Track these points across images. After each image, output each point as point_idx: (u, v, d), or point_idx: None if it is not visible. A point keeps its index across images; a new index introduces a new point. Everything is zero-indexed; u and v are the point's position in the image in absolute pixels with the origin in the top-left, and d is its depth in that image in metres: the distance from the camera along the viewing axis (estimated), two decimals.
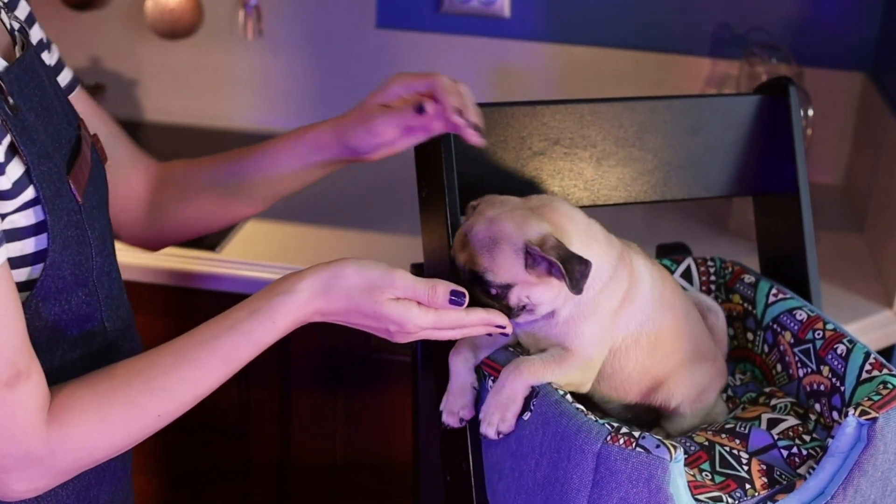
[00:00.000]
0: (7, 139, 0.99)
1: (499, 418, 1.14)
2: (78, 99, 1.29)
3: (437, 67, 2.37)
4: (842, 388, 1.22)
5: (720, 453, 1.20)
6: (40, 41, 1.22)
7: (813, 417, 1.27)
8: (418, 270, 1.38)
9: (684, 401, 1.26)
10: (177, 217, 1.37)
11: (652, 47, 2.31)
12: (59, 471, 1.04)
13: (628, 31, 2.31)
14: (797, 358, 1.30)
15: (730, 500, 1.14)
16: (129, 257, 1.54)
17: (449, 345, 1.23)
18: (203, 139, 2.48)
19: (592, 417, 1.09)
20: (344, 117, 1.26)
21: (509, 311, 1.15)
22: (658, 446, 1.05)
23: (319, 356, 2.00)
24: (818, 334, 1.28)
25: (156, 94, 2.53)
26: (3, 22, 1.13)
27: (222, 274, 1.91)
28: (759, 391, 1.35)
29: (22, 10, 1.20)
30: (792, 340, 1.31)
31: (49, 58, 1.24)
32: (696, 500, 1.11)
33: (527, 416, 1.14)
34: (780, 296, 1.35)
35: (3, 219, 1.00)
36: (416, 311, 1.09)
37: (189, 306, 1.97)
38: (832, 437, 1.14)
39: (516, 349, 1.22)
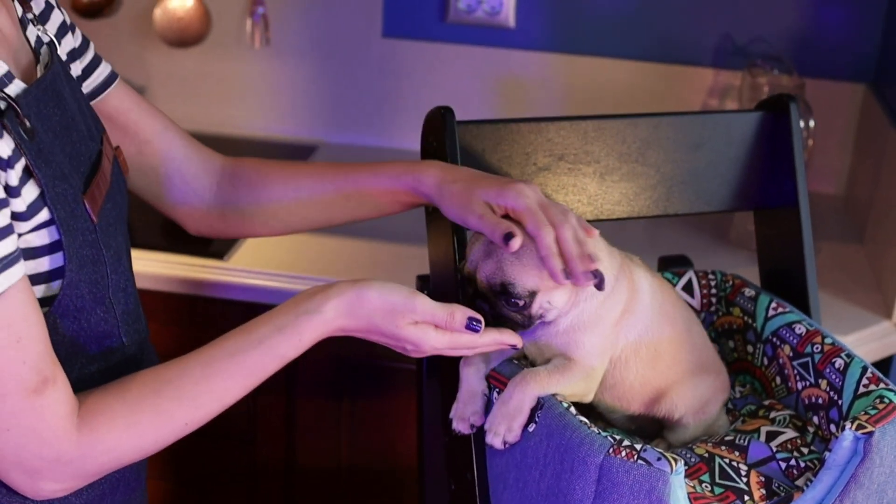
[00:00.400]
0: (22, 162, 1.01)
1: (505, 429, 1.17)
2: (120, 96, 1.30)
3: (442, 77, 2.41)
4: (839, 402, 1.25)
5: (720, 465, 1.22)
6: (72, 50, 1.24)
7: (811, 430, 1.29)
8: (424, 282, 1.40)
9: (687, 412, 1.28)
10: (249, 216, 1.37)
11: (655, 58, 2.34)
12: (88, 473, 1.08)
13: (632, 41, 2.33)
14: (796, 371, 1.32)
15: None
16: (137, 266, 1.56)
17: (456, 359, 1.25)
18: (210, 145, 2.48)
19: (595, 430, 1.11)
20: (450, 181, 1.21)
21: (529, 321, 1.16)
22: (659, 459, 1.07)
23: (325, 363, 2.02)
24: (817, 348, 1.30)
25: (164, 100, 2.55)
26: (27, 39, 1.15)
27: (230, 282, 1.93)
28: (759, 404, 1.37)
29: (54, 21, 1.21)
30: (791, 354, 1.33)
31: (80, 64, 1.25)
32: None
33: (532, 427, 1.16)
34: (780, 309, 1.37)
35: (19, 237, 1.02)
36: (432, 333, 1.12)
37: (197, 314, 1.99)
38: (829, 450, 1.16)
39: (521, 361, 1.24)
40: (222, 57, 2.49)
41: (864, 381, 1.23)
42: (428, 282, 1.37)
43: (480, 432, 1.23)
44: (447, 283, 1.27)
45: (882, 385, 1.21)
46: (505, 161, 1.35)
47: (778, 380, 1.36)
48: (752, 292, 1.42)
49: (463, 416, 1.23)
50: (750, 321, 1.41)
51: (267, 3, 2.43)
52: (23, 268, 1.00)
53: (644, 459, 1.07)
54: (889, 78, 2.16)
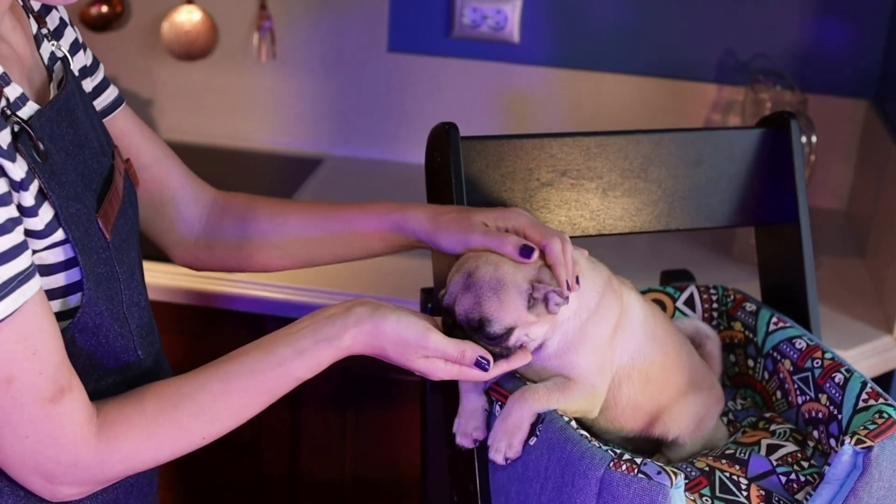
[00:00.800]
0: (36, 184, 1.03)
1: (506, 445, 1.18)
2: (125, 119, 1.31)
3: (447, 91, 2.42)
4: (839, 416, 1.26)
5: (720, 479, 1.23)
6: (83, 67, 1.25)
7: (811, 444, 1.30)
8: (428, 295, 1.42)
9: (683, 432, 1.29)
10: (235, 249, 1.39)
11: (659, 73, 2.35)
12: (104, 479, 1.11)
13: (635, 57, 2.35)
14: (796, 385, 1.33)
15: None
16: (147, 276, 1.57)
17: None
18: (217, 158, 2.51)
19: (596, 444, 1.12)
20: (442, 213, 1.25)
21: (508, 351, 1.16)
22: (659, 473, 1.08)
23: (330, 375, 2.02)
24: (817, 363, 1.31)
25: (171, 113, 2.57)
26: (40, 56, 1.16)
27: (238, 294, 1.94)
28: (760, 416, 1.38)
29: (67, 38, 1.23)
30: (791, 368, 1.34)
31: (90, 82, 1.26)
32: None
33: (533, 441, 1.17)
34: (781, 324, 1.38)
35: (33, 253, 1.04)
36: (441, 366, 1.15)
37: (207, 325, 2.01)
38: (829, 465, 1.17)
39: (523, 376, 1.25)
40: (229, 70, 2.51)
41: (864, 395, 1.24)
42: (432, 295, 1.38)
43: (483, 445, 1.25)
44: None
45: (881, 400, 1.22)
46: (508, 176, 1.36)
47: (778, 394, 1.37)
48: (754, 307, 1.43)
49: (465, 432, 1.24)
50: (751, 336, 1.42)
51: (274, 18, 2.45)
52: (38, 282, 1.02)
53: (644, 473, 1.08)
54: (891, 93, 2.18)
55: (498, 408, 1.22)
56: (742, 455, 1.27)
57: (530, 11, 2.35)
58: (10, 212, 0.99)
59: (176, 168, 1.38)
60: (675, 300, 1.48)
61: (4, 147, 0.99)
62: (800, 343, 1.35)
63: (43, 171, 1.04)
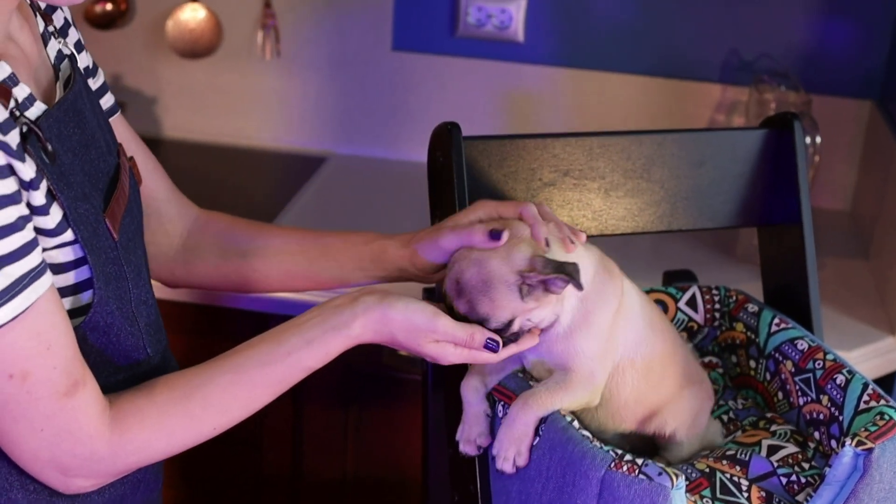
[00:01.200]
0: (45, 184, 1.03)
1: (514, 453, 1.18)
2: (119, 128, 1.31)
3: (451, 90, 2.42)
4: (840, 418, 1.26)
5: (721, 480, 1.23)
6: (87, 67, 1.25)
7: (812, 445, 1.30)
8: (430, 295, 1.42)
9: (679, 427, 1.29)
10: (212, 267, 1.39)
11: (663, 73, 2.35)
12: (118, 470, 1.12)
13: (640, 56, 2.35)
14: (798, 386, 1.33)
15: None
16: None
17: (459, 369, 1.27)
18: (220, 156, 2.52)
19: (598, 444, 1.12)
20: (417, 233, 1.28)
21: (516, 336, 1.18)
22: (660, 474, 1.08)
23: (333, 372, 2.02)
24: (818, 364, 1.31)
25: (175, 111, 2.57)
26: (47, 55, 1.17)
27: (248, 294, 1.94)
28: (761, 415, 1.38)
29: (72, 37, 1.23)
30: (793, 369, 1.34)
31: (93, 83, 1.27)
32: None
33: (535, 440, 1.17)
34: (783, 325, 1.38)
35: (43, 250, 1.04)
36: (451, 350, 1.16)
37: (211, 324, 2.01)
38: (829, 466, 1.17)
39: (526, 374, 1.25)
40: (233, 68, 2.51)
41: (865, 397, 1.24)
42: (434, 294, 1.38)
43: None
44: None
45: (882, 402, 1.22)
46: (511, 176, 1.36)
47: (780, 395, 1.37)
48: (756, 308, 1.43)
49: (469, 439, 1.24)
50: (753, 336, 1.42)
51: (278, 16, 2.45)
52: (50, 278, 1.03)
53: (645, 474, 1.08)
54: (895, 94, 2.17)
55: (500, 408, 1.22)
56: (743, 456, 1.27)
57: (535, 11, 2.35)
58: (21, 210, 1.00)
59: (163, 182, 1.39)
60: (677, 301, 1.48)
61: (13, 147, 0.99)
62: (802, 344, 1.35)
63: (51, 172, 1.04)
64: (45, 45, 1.17)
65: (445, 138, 1.30)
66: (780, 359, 1.36)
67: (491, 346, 1.15)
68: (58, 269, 1.06)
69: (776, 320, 1.39)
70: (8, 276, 0.98)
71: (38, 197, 1.02)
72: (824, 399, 1.29)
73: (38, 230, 1.03)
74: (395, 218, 2.20)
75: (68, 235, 1.06)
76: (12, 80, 1.04)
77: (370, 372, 2.00)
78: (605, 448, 1.11)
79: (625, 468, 1.09)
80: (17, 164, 0.99)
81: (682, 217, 1.44)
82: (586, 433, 1.14)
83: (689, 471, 1.25)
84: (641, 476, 1.08)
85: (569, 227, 1.21)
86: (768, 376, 1.39)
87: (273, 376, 1.15)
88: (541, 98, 2.41)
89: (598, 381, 1.22)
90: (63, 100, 1.11)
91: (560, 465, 1.13)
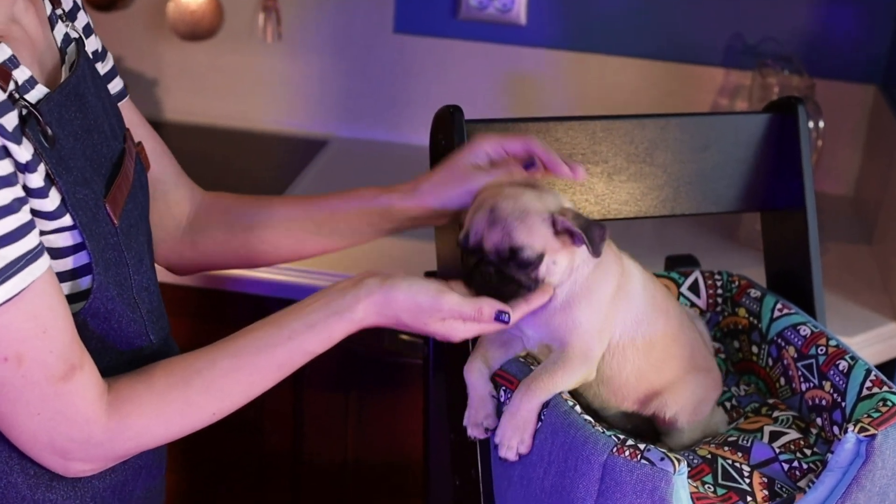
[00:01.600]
0: (43, 167, 1.03)
1: (518, 441, 1.18)
2: (127, 112, 1.31)
3: (453, 73, 2.41)
4: (843, 404, 1.25)
5: (722, 466, 1.23)
6: (94, 52, 1.25)
7: (814, 431, 1.30)
8: (432, 275, 1.41)
9: (680, 412, 1.28)
10: (220, 244, 1.38)
11: (666, 57, 2.34)
12: (116, 455, 1.12)
13: (643, 40, 2.34)
14: (800, 372, 1.33)
15: None
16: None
17: (459, 353, 1.26)
18: (222, 139, 2.51)
19: (600, 429, 1.12)
20: (421, 178, 1.28)
21: (535, 284, 1.17)
22: (662, 459, 1.08)
23: (333, 357, 2.01)
24: (821, 350, 1.30)
25: (176, 94, 2.56)
26: (54, 38, 1.16)
27: (247, 277, 1.94)
28: (763, 402, 1.38)
29: (81, 21, 1.23)
30: (795, 355, 1.34)
31: (101, 68, 1.26)
32: None
33: (538, 425, 1.17)
34: (785, 311, 1.38)
35: (42, 234, 1.04)
36: (460, 326, 1.15)
37: (213, 308, 2.00)
38: (832, 453, 1.17)
39: (526, 358, 1.25)
40: (234, 51, 2.50)
41: (868, 383, 1.23)
42: (436, 275, 1.38)
43: None
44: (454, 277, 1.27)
45: (885, 388, 1.22)
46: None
47: (782, 381, 1.37)
48: (758, 293, 1.42)
49: (476, 422, 1.23)
50: (755, 322, 1.41)
51: None
52: (47, 260, 1.02)
53: (647, 459, 1.08)
54: None
55: (503, 392, 1.22)
56: (745, 442, 1.26)
57: None
58: (16, 192, 0.99)
59: (170, 166, 1.38)
60: (679, 286, 1.47)
61: (10, 130, 0.99)
62: (804, 330, 1.34)
63: (50, 156, 1.03)
64: (52, 28, 1.16)
65: (447, 121, 1.30)
66: (783, 344, 1.36)
67: (501, 318, 1.14)
68: (56, 253, 1.06)
69: (779, 306, 1.39)
70: (3, 258, 0.98)
71: (36, 180, 1.02)
72: (827, 385, 1.28)
73: (36, 213, 1.03)
74: None
75: (67, 220, 1.05)
76: (13, 63, 1.03)
77: (371, 356, 2.00)
78: (608, 433, 1.11)
79: (627, 453, 1.08)
80: (12, 147, 0.99)
81: (685, 201, 1.43)
82: (588, 418, 1.14)
83: (690, 457, 1.25)
84: (644, 461, 1.08)
85: (568, 161, 1.23)
86: (770, 362, 1.39)
87: (274, 361, 1.14)
88: (543, 81, 2.40)
89: (595, 355, 1.22)
90: (65, 83, 1.10)
91: (562, 449, 1.12)
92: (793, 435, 1.28)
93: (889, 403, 1.19)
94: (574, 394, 1.29)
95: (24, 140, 1.01)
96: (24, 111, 1.02)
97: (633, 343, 1.25)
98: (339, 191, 1.36)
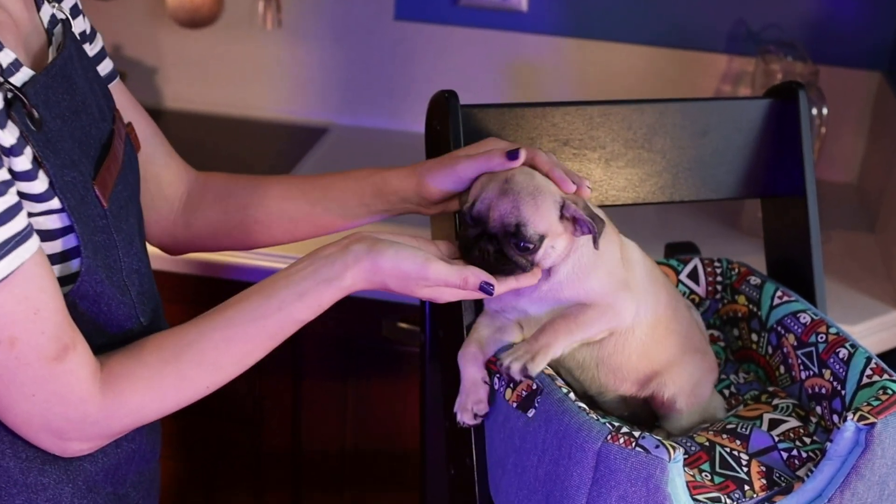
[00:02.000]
0: (30, 150, 1.02)
1: (529, 358, 1.17)
2: (117, 94, 1.30)
3: (454, 60, 2.40)
4: (842, 392, 1.24)
5: (720, 454, 1.21)
6: (83, 33, 1.24)
7: (814, 420, 1.28)
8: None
9: (679, 393, 1.27)
10: (214, 225, 1.38)
11: (669, 43, 2.32)
12: (112, 432, 1.12)
13: (645, 26, 2.32)
14: (800, 360, 1.31)
15: (728, 501, 1.16)
16: (153, 247, 1.56)
17: (455, 341, 1.25)
18: (221, 127, 2.50)
19: (594, 416, 1.11)
20: (420, 164, 1.28)
21: (531, 265, 1.17)
22: (657, 446, 1.06)
23: (331, 345, 2.02)
24: (821, 338, 1.29)
25: (176, 82, 2.55)
26: (40, 20, 1.15)
27: (243, 264, 1.93)
28: (763, 389, 1.37)
29: (67, 2, 1.22)
30: (795, 343, 1.32)
31: (89, 50, 1.25)
32: (695, 500, 1.13)
33: (531, 413, 1.16)
34: (785, 298, 1.36)
35: (31, 216, 1.03)
36: (446, 291, 1.15)
37: (209, 294, 1.99)
38: (831, 441, 1.16)
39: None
40: (234, 38, 2.49)
41: (868, 371, 1.22)
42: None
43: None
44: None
45: (885, 376, 1.20)
46: None
47: (782, 369, 1.36)
48: (758, 280, 1.41)
49: (466, 408, 1.22)
50: (755, 309, 1.40)
51: None
52: (37, 241, 1.02)
53: (642, 447, 1.06)
54: None
55: (497, 380, 1.21)
56: (743, 430, 1.25)
57: None
58: (2, 174, 0.99)
59: (161, 147, 1.37)
60: (678, 273, 1.46)
61: None
62: (804, 317, 1.33)
63: (37, 139, 1.03)
64: (39, 9, 1.15)
65: (442, 106, 1.28)
66: (782, 332, 1.34)
67: (486, 289, 1.14)
68: (46, 235, 1.05)
69: (779, 293, 1.37)
70: None
71: (23, 163, 1.01)
72: (826, 373, 1.27)
73: (24, 196, 1.02)
74: None
75: (55, 203, 1.04)
76: None
77: (369, 345, 1.99)
78: (602, 420, 1.10)
79: (621, 440, 1.07)
80: None
81: (683, 188, 1.42)
82: (582, 405, 1.12)
83: (688, 444, 1.23)
84: (638, 449, 1.06)
85: (574, 174, 1.22)
86: (770, 350, 1.38)
87: (265, 331, 1.13)
88: (544, 68, 2.38)
89: (622, 303, 1.21)
90: (51, 65, 1.09)
91: (556, 437, 1.11)
92: (792, 423, 1.26)
93: (889, 391, 1.17)
94: (570, 379, 1.29)
95: (10, 123, 1.00)
96: (10, 94, 1.01)
97: (635, 318, 1.24)
98: (337, 172, 1.35)
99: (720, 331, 1.46)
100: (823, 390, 1.27)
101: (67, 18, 1.19)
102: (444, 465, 1.33)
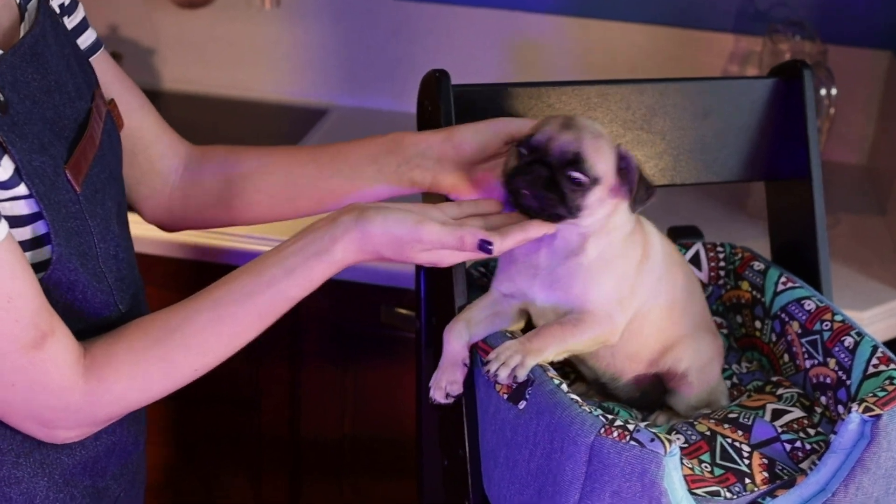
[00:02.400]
0: None
1: (519, 359, 1.13)
2: (101, 66, 1.25)
3: (455, 40, 2.36)
4: (848, 382, 1.20)
5: (721, 445, 1.18)
6: (62, 5, 1.19)
7: (819, 410, 1.24)
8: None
9: (691, 366, 1.25)
10: (215, 196, 1.33)
11: (674, 22, 2.28)
12: (99, 420, 1.09)
13: (649, 5, 2.27)
14: (804, 349, 1.28)
15: (728, 495, 1.12)
16: (141, 230, 1.52)
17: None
18: (220, 108, 2.47)
19: (587, 409, 1.07)
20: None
21: (576, 211, 1.13)
22: (653, 440, 1.03)
23: (330, 331, 1.99)
24: (826, 325, 1.25)
25: (173, 62, 2.52)
26: None
27: (235, 248, 1.90)
28: (766, 380, 1.33)
29: None
30: (799, 330, 1.28)
31: (68, 22, 1.20)
32: (693, 494, 1.09)
33: (522, 405, 1.12)
34: (790, 284, 1.32)
35: None
36: (445, 254, 1.12)
37: (198, 279, 1.96)
38: (835, 433, 1.12)
39: (515, 335, 1.20)
40: (232, 18, 2.46)
41: (874, 361, 1.18)
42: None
43: (472, 408, 1.19)
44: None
45: (892, 366, 1.17)
46: None
47: (786, 357, 1.32)
48: (762, 266, 1.37)
49: (440, 385, 1.19)
50: (758, 296, 1.36)
51: None
52: (5, 228, 0.98)
53: (636, 440, 1.03)
54: None
55: (479, 362, 1.17)
56: (746, 420, 1.21)
57: None
58: None
59: (150, 118, 1.32)
60: None
61: None
62: (809, 304, 1.29)
63: (2, 124, 0.99)
64: None
65: (434, 86, 1.25)
66: (787, 319, 1.30)
67: (484, 248, 1.10)
68: (15, 221, 1.01)
69: (783, 279, 1.33)
70: None
71: None
72: (831, 362, 1.23)
73: None
74: None
75: (22, 189, 1.00)
76: None
77: (367, 331, 1.96)
78: (595, 413, 1.06)
79: (615, 434, 1.03)
80: None
81: (685, 170, 1.38)
82: (575, 397, 1.08)
83: (689, 432, 1.20)
84: (632, 442, 1.02)
85: None
86: (774, 337, 1.34)
87: (255, 310, 1.09)
88: (547, 47, 2.34)
89: (617, 322, 1.18)
90: (19, 44, 1.05)
91: (548, 430, 1.07)
92: (796, 413, 1.22)
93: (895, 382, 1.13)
94: (584, 368, 1.27)
95: None
96: None
97: (655, 300, 1.22)
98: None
99: (723, 317, 1.43)
100: (828, 380, 1.23)
101: None
102: (438, 454, 1.30)
